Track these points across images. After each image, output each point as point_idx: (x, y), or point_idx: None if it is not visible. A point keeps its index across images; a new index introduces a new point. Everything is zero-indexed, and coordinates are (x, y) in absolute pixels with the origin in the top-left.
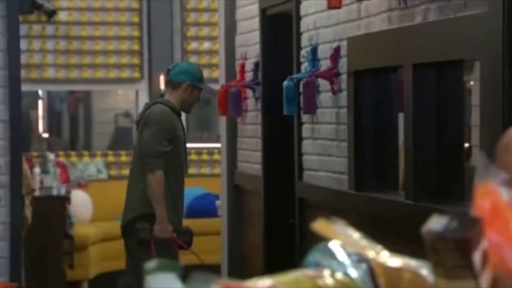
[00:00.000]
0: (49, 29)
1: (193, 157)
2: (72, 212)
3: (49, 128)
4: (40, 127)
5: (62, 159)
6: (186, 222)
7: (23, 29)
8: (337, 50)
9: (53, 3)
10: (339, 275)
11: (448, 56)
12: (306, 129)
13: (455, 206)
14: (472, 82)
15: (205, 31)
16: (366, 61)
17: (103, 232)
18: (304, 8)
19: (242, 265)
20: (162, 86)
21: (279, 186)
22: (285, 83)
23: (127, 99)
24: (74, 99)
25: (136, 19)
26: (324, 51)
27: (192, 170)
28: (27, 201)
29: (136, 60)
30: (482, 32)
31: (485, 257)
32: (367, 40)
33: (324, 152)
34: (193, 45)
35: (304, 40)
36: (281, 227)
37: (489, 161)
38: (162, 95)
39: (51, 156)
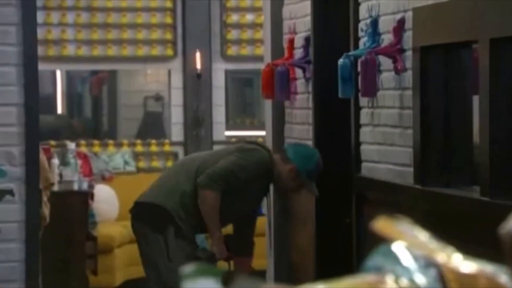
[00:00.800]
0: (69, 0)
1: None
2: (95, 209)
3: (68, 113)
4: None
5: (83, 149)
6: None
7: None
8: (401, 22)
9: None
10: (404, 282)
11: None
12: (364, 115)
13: None
14: None
15: (247, 1)
16: (435, 35)
17: (131, 233)
18: None
19: (290, 271)
20: (198, 64)
21: (333, 180)
22: (341, 61)
23: (158, 80)
24: (97, 80)
25: None
26: (386, 24)
27: None
28: (44, 197)
29: (168, 35)
30: None
31: None
32: (436, 11)
33: (386, 141)
34: (234, 18)
35: (363, 11)
36: (336, 227)
37: None
38: (198, 76)
39: (71, 145)
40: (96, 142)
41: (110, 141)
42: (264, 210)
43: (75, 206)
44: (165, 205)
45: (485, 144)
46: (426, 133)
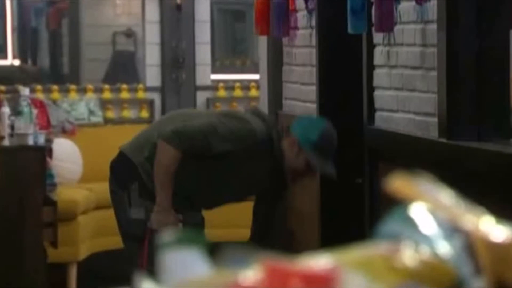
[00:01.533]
0: None
1: (221, 93)
2: (54, 168)
3: (21, 52)
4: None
5: (40, 96)
6: None
7: None
8: None
9: None
10: (424, 251)
11: None
12: (379, 54)
13: None
14: None
15: None
16: None
17: (98, 197)
18: None
19: (288, 239)
20: None
21: (341, 133)
22: None
23: (129, 12)
24: (55, 12)
25: None
26: None
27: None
28: None
29: None
30: None
31: None
32: None
33: (405, 85)
34: None
35: None
36: (344, 187)
37: None
38: (178, 7)
39: (24, 91)
40: (54, 87)
41: (72, 86)
42: None
43: (30, 164)
44: (132, 158)
45: None
46: (454, 76)
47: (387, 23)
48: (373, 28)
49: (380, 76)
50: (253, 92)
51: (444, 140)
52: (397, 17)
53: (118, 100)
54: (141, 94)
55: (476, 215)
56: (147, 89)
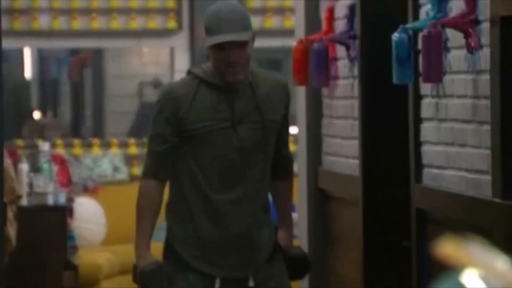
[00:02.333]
0: None
1: None
2: (76, 230)
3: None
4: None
5: (60, 151)
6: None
7: None
8: None
9: None
10: None
11: None
12: (427, 106)
13: None
14: None
15: None
16: None
17: (122, 261)
18: None
19: None
20: None
21: (386, 192)
22: (396, 35)
23: (157, 61)
24: (78, 61)
25: None
26: None
27: None
28: (9, 214)
29: (170, 3)
30: None
31: None
32: None
33: (455, 140)
34: None
35: None
36: (390, 251)
37: None
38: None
39: (44, 146)
40: (76, 142)
41: (95, 141)
42: (296, 230)
43: (50, 225)
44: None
45: None
46: (509, 130)
47: (436, 73)
48: (420, 78)
49: (428, 130)
50: (290, 147)
51: (498, 200)
52: (446, 66)
53: (144, 156)
54: None
55: None
56: None
